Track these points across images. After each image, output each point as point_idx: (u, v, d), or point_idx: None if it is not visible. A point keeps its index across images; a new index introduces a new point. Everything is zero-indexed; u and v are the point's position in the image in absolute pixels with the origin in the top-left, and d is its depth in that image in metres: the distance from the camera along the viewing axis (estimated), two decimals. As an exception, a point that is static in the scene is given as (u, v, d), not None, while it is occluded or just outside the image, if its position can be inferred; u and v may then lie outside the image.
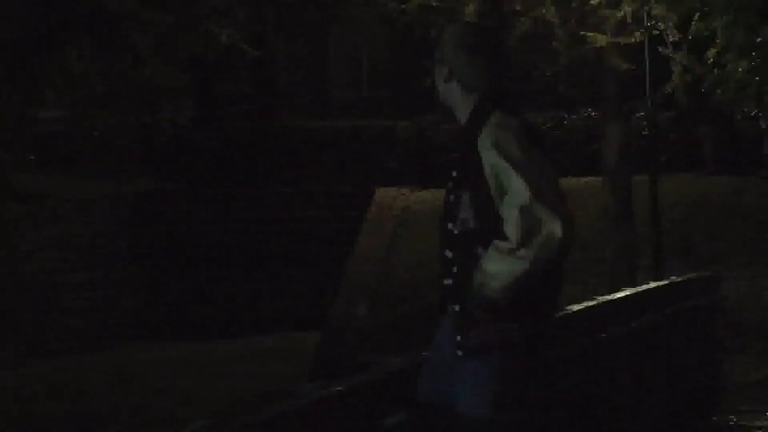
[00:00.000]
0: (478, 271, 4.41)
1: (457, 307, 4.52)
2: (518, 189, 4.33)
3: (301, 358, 15.09)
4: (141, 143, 24.91)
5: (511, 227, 4.33)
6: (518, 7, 18.11)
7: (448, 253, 4.59)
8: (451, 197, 4.58)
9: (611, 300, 8.81)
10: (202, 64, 23.26)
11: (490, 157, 4.41)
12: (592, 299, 8.50)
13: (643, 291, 9.94)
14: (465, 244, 4.52)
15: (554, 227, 4.30)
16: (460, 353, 4.49)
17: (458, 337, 4.49)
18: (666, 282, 11.15)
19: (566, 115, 27.66)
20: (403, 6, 18.29)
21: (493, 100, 4.55)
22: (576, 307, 7.96)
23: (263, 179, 24.68)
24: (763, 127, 16.46)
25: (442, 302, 4.66)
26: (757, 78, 14.68)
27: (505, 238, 4.35)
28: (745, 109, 16.16)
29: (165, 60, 16.11)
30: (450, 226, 4.57)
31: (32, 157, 18.46)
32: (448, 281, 4.59)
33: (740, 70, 14.65)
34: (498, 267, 4.36)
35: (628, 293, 9.50)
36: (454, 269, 4.55)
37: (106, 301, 22.19)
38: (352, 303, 18.07)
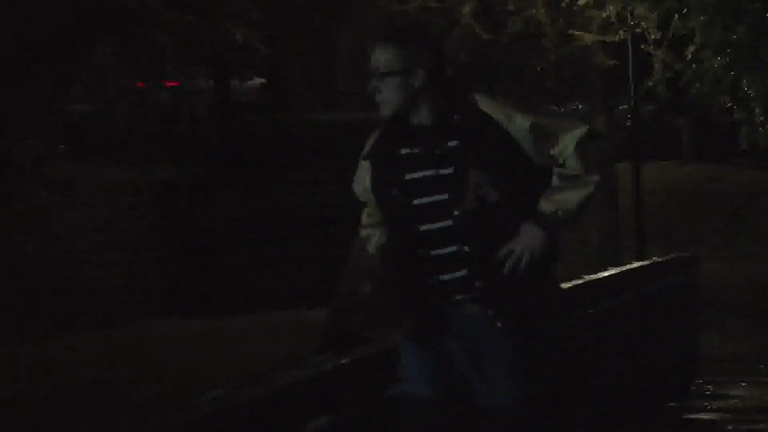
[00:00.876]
0: (547, 200, 4.23)
1: (478, 284, 4.23)
2: (567, 132, 4.29)
3: (311, 333, 15.07)
4: (162, 134, 24.88)
5: (574, 158, 4.28)
6: (510, 8, 18.06)
7: (455, 246, 4.23)
8: (419, 175, 4.27)
9: (597, 279, 8.79)
10: (220, 61, 23.24)
11: (524, 121, 4.24)
12: (580, 278, 8.47)
13: (627, 270, 9.92)
14: (483, 219, 4.21)
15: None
16: (499, 324, 4.23)
17: (489, 312, 4.23)
18: (648, 262, 11.15)
19: (555, 108, 27.64)
20: (403, 7, 18.23)
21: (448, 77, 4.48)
22: (564, 286, 7.93)
23: (276, 167, 24.64)
24: (737, 119, 16.40)
25: (439, 296, 4.31)
26: (731, 73, 14.65)
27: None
28: (721, 102, 16.12)
29: (185, 57, 16.09)
30: (444, 198, 4.23)
31: (62, 147, 18.44)
32: (456, 274, 4.25)
33: (716, 66, 14.62)
34: (571, 193, 4.26)
35: (613, 272, 9.49)
36: (465, 248, 4.21)
37: (131, 279, 22.21)
38: (357, 281, 18.05)
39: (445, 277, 4.27)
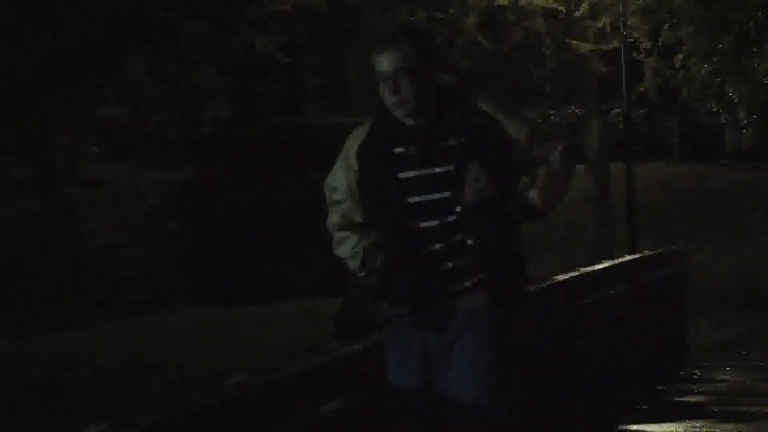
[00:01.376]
0: (536, 192, 4.10)
1: (479, 278, 4.08)
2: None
3: (325, 321, 15.09)
4: (188, 136, 24.91)
5: (557, 161, 4.17)
6: (511, 19, 18.06)
7: (456, 234, 4.08)
8: (413, 174, 4.09)
9: (593, 271, 8.80)
10: (241, 69, 23.26)
11: (523, 128, 4.21)
12: (576, 270, 8.48)
13: (620, 263, 9.93)
14: (482, 213, 4.06)
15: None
16: (502, 312, 4.07)
17: (491, 300, 4.07)
18: (639, 255, 11.14)
19: (553, 112, 27.61)
20: (412, 18, 18.24)
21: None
22: (562, 277, 7.95)
23: (293, 167, 24.66)
24: (723, 121, 16.40)
25: (440, 287, 4.10)
26: (718, 79, 14.64)
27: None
28: (708, 106, 16.11)
29: (209, 65, 16.13)
30: (444, 196, 4.07)
31: (95, 149, 18.50)
32: (458, 264, 4.08)
33: (703, 72, 14.62)
34: (555, 185, 4.17)
35: (607, 265, 9.49)
36: (469, 241, 4.07)
37: (157, 271, 22.23)
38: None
39: (447, 266, 4.08)
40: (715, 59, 14.42)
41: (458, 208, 4.06)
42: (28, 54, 14.13)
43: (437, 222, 4.09)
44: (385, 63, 4.13)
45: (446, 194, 4.07)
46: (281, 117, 26.56)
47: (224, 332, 15.98)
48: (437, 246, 4.09)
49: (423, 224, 4.09)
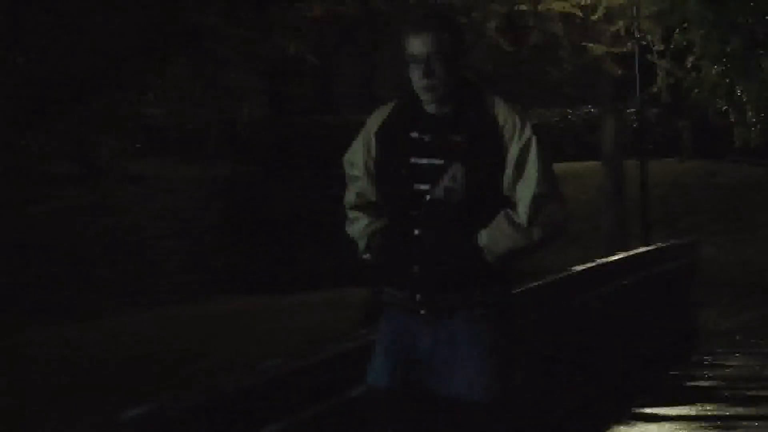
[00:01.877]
0: (484, 234, 3.81)
1: (416, 269, 3.84)
2: (535, 176, 3.83)
3: (355, 309, 15.10)
4: (224, 135, 24.96)
5: (524, 207, 3.82)
6: (531, 23, 18.00)
7: (416, 229, 3.85)
8: (424, 161, 3.86)
9: (608, 262, 8.76)
10: (275, 70, 23.29)
11: (522, 139, 3.86)
12: (592, 261, 8.45)
13: (634, 254, 9.88)
14: (442, 214, 3.84)
15: (560, 217, 3.91)
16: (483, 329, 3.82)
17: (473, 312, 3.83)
18: (652, 247, 11.08)
19: (570, 111, 27.51)
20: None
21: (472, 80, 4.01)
22: (579, 268, 7.92)
23: (324, 163, 24.68)
24: (732, 120, 16.30)
25: (408, 287, 3.88)
26: (727, 80, 14.58)
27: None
28: (718, 106, 16.03)
29: (245, 67, 16.16)
30: (419, 188, 3.85)
31: (138, 146, 18.56)
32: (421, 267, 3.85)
33: (713, 74, 14.55)
34: (504, 240, 3.81)
35: (621, 256, 9.45)
36: (416, 231, 3.85)
37: (194, 262, 22.30)
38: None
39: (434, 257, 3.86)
40: (724, 61, 14.35)
41: (427, 197, 3.83)
42: (76, 56, 14.19)
43: (418, 211, 3.87)
44: (419, 45, 3.86)
45: (428, 186, 3.85)
46: (312, 116, 26.59)
47: (258, 319, 16.02)
48: (416, 232, 3.88)
49: (415, 211, 3.88)
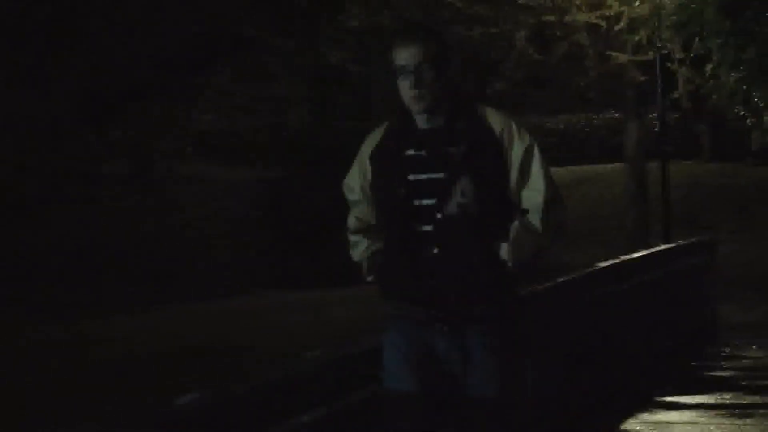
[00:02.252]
0: (507, 248, 3.69)
1: (481, 308, 3.72)
2: (542, 182, 3.74)
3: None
4: (272, 139, 25.03)
5: (537, 214, 3.72)
6: (558, 33, 17.93)
7: (433, 248, 3.69)
8: (423, 177, 3.70)
9: (632, 258, 8.70)
10: (318, 79, 23.34)
11: (522, 144, 3.72)
12: (617, 258, 8.39)
13: (656, 251, 9.81)
14: (459, 229, 3.68)
15: (565, 219, 3.86)
16: (494, 344, 3.73)
17: (485, 338, 3.74)
18: (673, 245, 11.00)
19: (595, 116, 27.37)
20: (469, 33, 18.15)
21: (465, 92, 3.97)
22: (603, 264, 7.87)
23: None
24: (749, 124, 16.16)
25: (427, 303, 3.74)
26: (744, 87, 14.44)
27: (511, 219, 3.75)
28: (735, 110, 15.89)
29: (290, 76, 16.21)
30: (422, 203, 3.71)
31: (190, 149, 18.66)
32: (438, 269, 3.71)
33: (731, 80, 14.42)
34: (528, 244, 3.70)
35: (644, 253, 9.38)
36: (435, 250, 3.70)
37: (245, 259, 22.37)
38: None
39: (442, 270, 3.73)
40: (741, 68, 14.22)
41: (438, 216, 3.68)
42: (131, 66, 14.29)
43: (427, 227, 3.71)
44: (407, 56, 3.71)
45: (434, 201, 3.69)
46: (352, 122, 26.62)
47: (303, 312, 16.04)
48: (435, 250, 3.71)
49: (424, 227, 3.71)
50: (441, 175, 3.68)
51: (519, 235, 3.69)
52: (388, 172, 3.78)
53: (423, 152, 3.72)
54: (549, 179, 3.76)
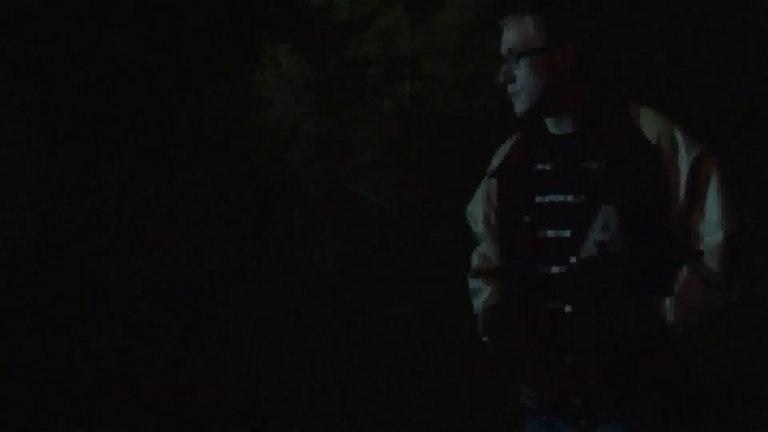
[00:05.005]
0: (671, 304, 2.54)
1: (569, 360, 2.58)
2: (721, 212, 2.58)
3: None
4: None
5: (714, 256, 2.56)
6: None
7: (566, 306, 2.58)
8: (552, 199, 2.64)
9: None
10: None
11: (691, 157, 2.57)
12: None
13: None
14: (600, 277, 2.55)
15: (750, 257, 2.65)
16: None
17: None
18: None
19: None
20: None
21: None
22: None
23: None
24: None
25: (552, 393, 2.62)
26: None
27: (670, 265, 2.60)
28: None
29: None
30: (546, 235, 2.63)
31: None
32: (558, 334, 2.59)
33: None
34: (703, 300, 2.56)
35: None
36: (567, 308, 2.58)
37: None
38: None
39: (561, 338, 2.60)
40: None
41: (572, 259, 2.57)
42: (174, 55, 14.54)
43: (553, 270, 2.62)
44: (504, 39, 2.68)
45: (566, 233, 2.60)
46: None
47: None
48: (549, 304, 2.62)
49: (543, 269, 2.63)
50: (573, 197, 2.61)
51: (689, 286, 2.57)
52: (513, 193, 2.73)
53: (548, 165, 2.68)
54: (733, 206, 2.59)
